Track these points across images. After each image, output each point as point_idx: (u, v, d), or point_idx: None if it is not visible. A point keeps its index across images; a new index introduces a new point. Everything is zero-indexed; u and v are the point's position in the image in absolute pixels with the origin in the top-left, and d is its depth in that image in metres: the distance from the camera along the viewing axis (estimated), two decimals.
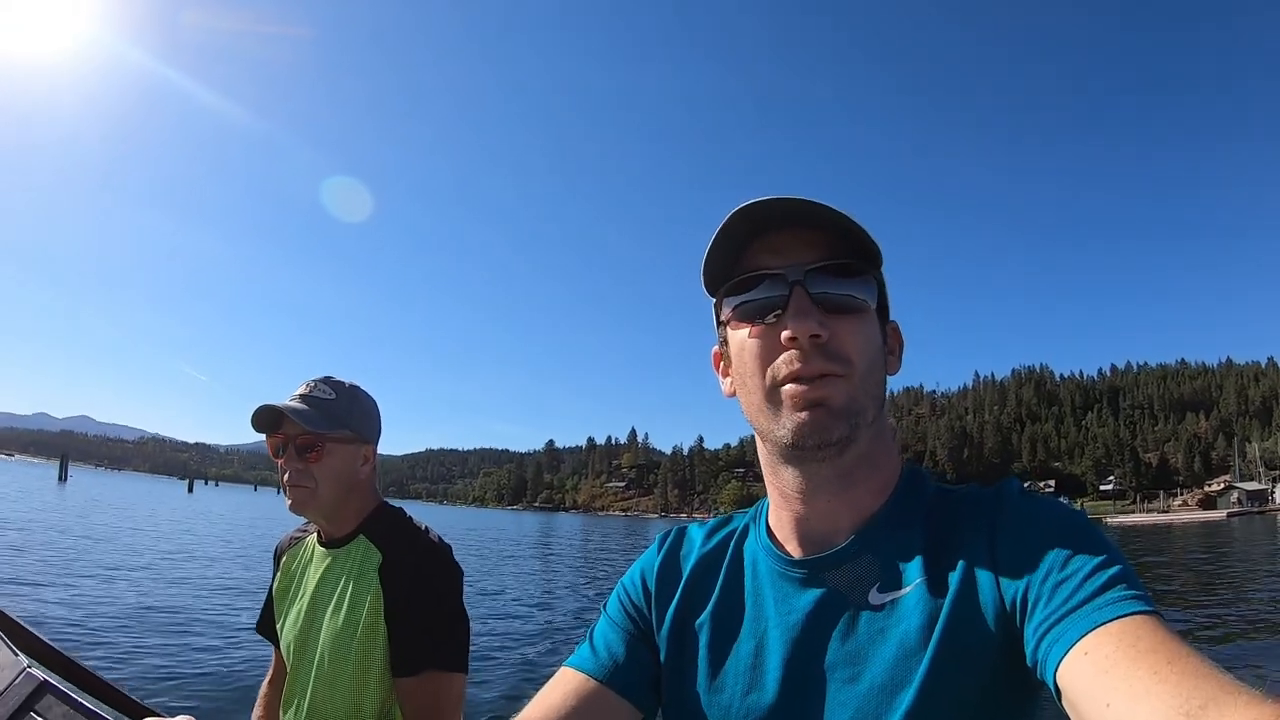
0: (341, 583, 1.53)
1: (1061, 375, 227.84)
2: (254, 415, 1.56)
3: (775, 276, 0.72)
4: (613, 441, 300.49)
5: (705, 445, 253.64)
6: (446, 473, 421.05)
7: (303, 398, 1.58)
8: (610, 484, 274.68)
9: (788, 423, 0.71)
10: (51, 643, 1.20)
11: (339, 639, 1.48)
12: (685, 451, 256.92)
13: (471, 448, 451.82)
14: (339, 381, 1.64)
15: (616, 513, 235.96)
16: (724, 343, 0.80)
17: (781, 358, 0.71)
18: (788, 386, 0.70)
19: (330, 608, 1.53)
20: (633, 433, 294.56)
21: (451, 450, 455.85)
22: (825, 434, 0.70)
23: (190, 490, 77.82)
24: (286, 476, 1.54)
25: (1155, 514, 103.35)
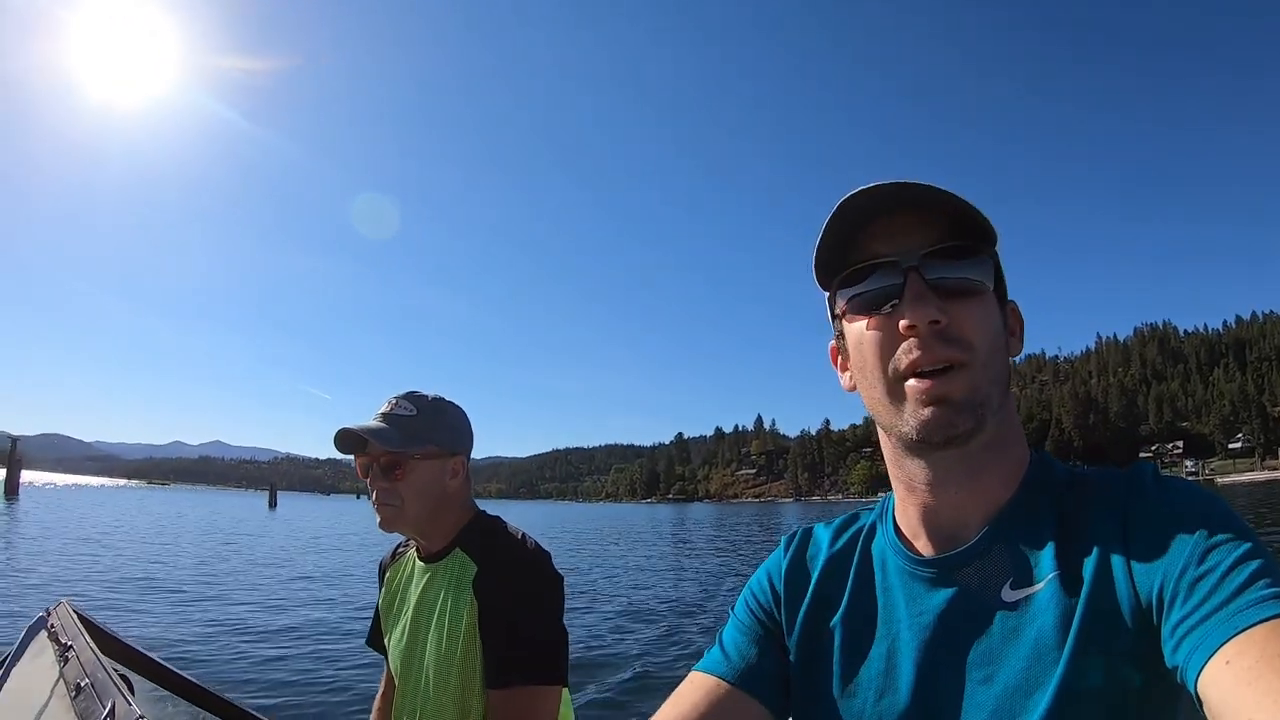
0: (441, 597, 1.53)
1: (1185, 331, 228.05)
2: (335, 439, 1.55)
3: (889, 265, 0.70)
4: (740, 429, 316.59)
5: (832, 427, 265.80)
6: (575, 471, 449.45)
7: (384, 416, 1.56)
8: (741, 471, 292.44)
9: (911, 419, 0.69)
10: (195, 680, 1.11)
11: (442, 654, 1.48)
12: (813, 434, 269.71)
13: (598, 444, 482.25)
14: (421, 396, 1.61)
15: (749, 499, 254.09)
16: (840, 336, 0.78)
17: (901, 348, 0.69)
18: (911, 382, 0.69)
19: (433, 623, 1.53)
20: (759, 420, 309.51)
21: (578, 449, 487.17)
22: (951, 429, 0.68)
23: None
24: (374, 495, 1.55)
25: (1267, 471, 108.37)
